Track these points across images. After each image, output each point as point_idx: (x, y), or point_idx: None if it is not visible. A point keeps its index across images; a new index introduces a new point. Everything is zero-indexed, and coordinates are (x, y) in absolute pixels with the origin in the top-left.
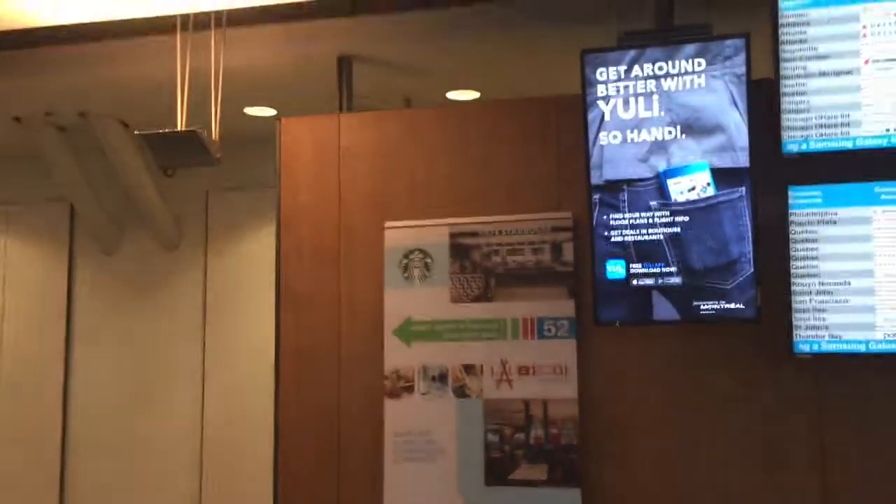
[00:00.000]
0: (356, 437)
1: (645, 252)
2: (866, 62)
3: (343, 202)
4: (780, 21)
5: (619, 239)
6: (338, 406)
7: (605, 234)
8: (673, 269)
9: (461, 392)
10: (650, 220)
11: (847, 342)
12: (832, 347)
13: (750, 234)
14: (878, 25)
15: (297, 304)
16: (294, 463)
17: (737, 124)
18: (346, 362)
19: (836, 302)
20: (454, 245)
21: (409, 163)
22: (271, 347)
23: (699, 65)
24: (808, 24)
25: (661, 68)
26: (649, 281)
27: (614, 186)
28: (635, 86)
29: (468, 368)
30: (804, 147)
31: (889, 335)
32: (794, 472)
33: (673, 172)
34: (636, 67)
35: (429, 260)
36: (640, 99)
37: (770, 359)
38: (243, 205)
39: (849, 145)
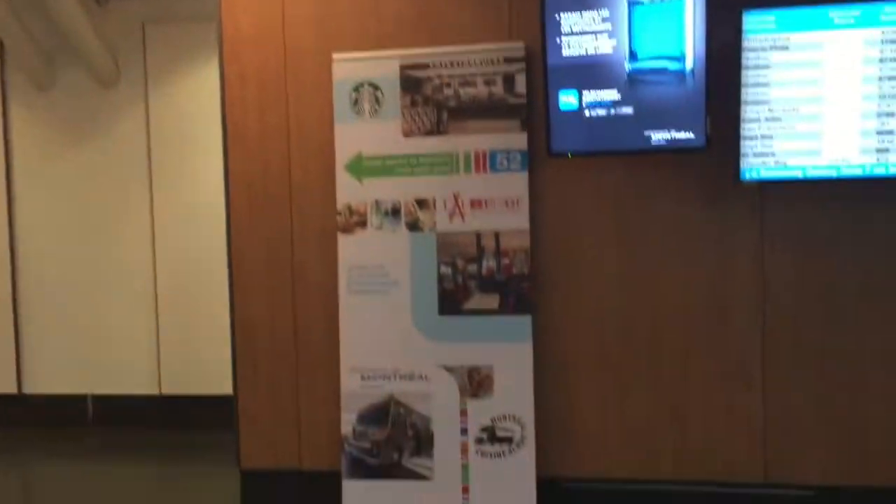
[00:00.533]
0: (310, 272)
1: (595, 78)
2: None
3: (288, 31)
4: None
5: (573, 63)
6: (291, 242)
7: (559, 62)
8: (622, 97)
9: (414, 226)
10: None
11: (788, 168)
12: (773, 174)
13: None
14: None
15: (244, 137)
16: (250, 303)
17: None
18: (297, 197)
19: (784, 129)
20: (405, 78)
21: None
22: (221, 183)
23: None
24: None
25: None
26: (601, 111)
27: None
28: None
29: (421, 203)
30: None
31: (833, 160)
32: (735, 295)
33: None
34: None
35: (379, 93)
36: None
37: (718, 187)
38: (183, 38)
39: None
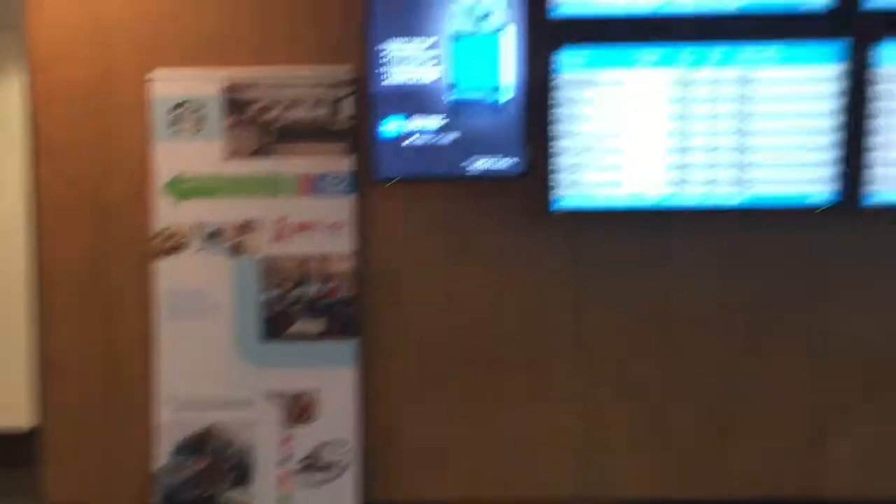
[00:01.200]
0: (127, 297)
1: (420, 105)
2: None
3: (102, 44)
4: None
5: (398, 90)
6: (106, 265)
7: (384, 88)
8: (445, 125)
9: (237, 249)
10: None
11: (595, 198)
12: (582, 204)
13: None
14: None
15: (54, 153)
16: (60, 328)
17: None
18: (114, 219)
19: (592, 161)
20: (229, 98)
21: (176, 4)
22: (24, 206)
23: None
24: None
25: None
26: (424, 138)
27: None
28: None
29: (245, 225)
30: (573, 10)
31: (635, 192)
32: (552, 319)
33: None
34: None
35: (201, 113)
36: None
37: (536, 215)
38: None
39: (619, 12)
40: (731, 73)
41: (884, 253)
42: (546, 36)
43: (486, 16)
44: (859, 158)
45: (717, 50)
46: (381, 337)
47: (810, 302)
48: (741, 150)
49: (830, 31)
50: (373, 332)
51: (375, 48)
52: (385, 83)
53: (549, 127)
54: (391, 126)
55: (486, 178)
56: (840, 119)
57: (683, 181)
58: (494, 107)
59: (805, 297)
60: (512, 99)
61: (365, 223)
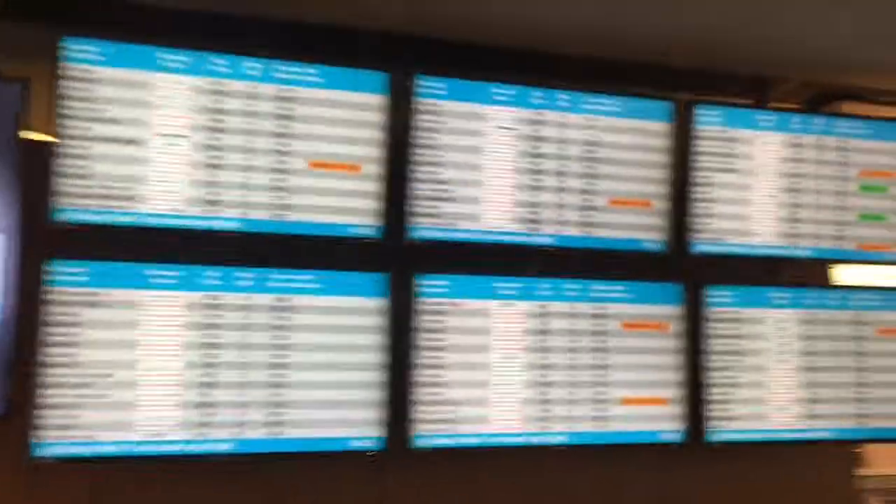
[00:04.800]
0: None
1: None
2: (156, 135)
3: None
4: (67, 73)
5: None
6: None
7: None
8: None
9: None
10: None
11: (97, 445)
12: (73, 452)
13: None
14: (168, 98)
15: None
16: None
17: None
18: None
19: (93, 399)
20: None
21: None
22: None
23: None
24: (97, 81)
25: None
26: None
27: None
28: None
29: None
30: (81, 217)
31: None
32: None
33: None
34: None
35: None
36: None
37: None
38: None
39: (132, 220)
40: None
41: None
42: (43, 244)
43: None
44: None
45: (251, 273)
46: None
47: None
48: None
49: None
50: None
51: None
52: None
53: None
54: None
55: None
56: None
57: (205, 424)
58: None
59: None
60: (2, 316)
61: None
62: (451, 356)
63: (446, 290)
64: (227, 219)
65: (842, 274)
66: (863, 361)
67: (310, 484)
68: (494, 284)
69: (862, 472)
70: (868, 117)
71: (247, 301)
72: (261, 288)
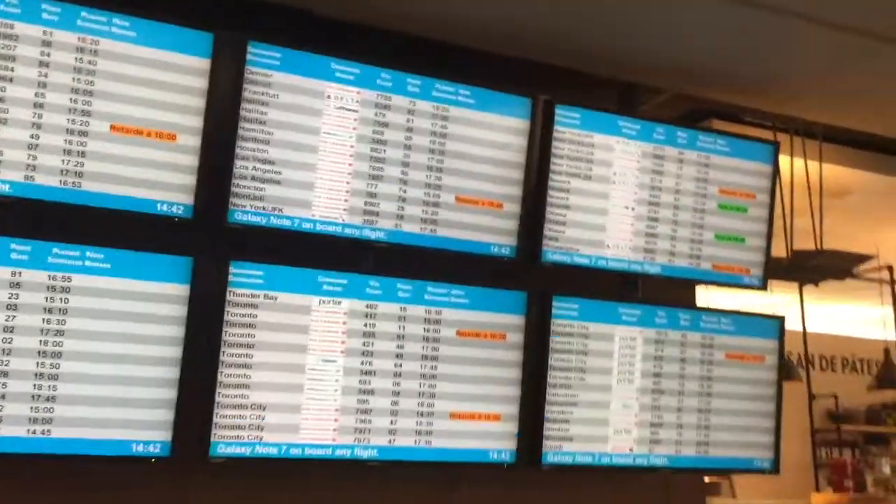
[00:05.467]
0: None
1: None
2: None
3: None
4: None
5: None
6: None
7: None
8: None
9: None
10: None
11: None
12: None
13: None
14: None
15: None
16: None
17: None
18: None
19: None
20: None
21: None
22: None
23: None
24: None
25: None
26: None
27: None
28: None
29: None
30: None
31: None
32: None
33: None
34: None
35: None
36: None
37: None
38: None
39: None
40: None
41: None
42: None
43: None
44: None
45: None
46: None
47: None
48: None
49: None
50: None
51: None
52: None
53: None
54: None
55: None
56: None
57: None
58: None
59: None
60: None
61: None
62: (261, 355)
63: (262, 281)
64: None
65: (695, 295)
66: (709, 387)
67: (82, 494)
68: (319, 279)
69: (715, 502)
70: (733, 135)
71: (15, 278)
72: (38, 264)
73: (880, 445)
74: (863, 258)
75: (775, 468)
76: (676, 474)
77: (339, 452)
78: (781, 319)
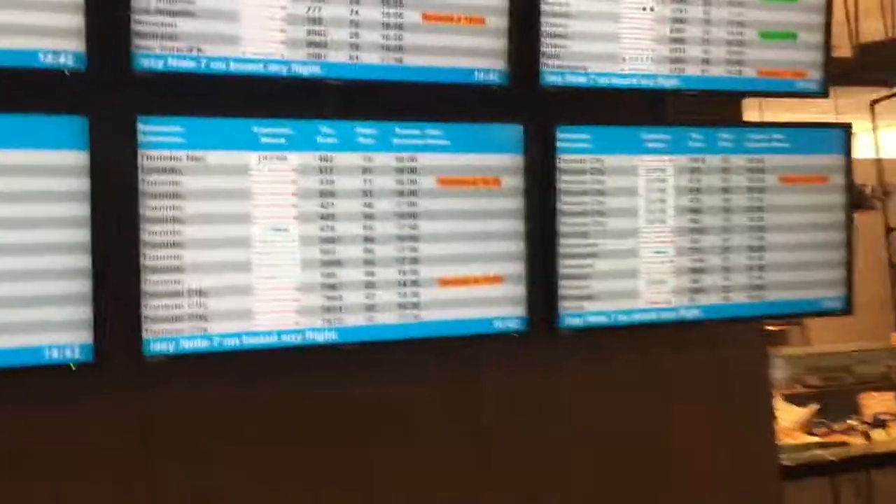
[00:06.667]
0: None
1: None
2: None
3: None
4: None
5: None
6: None
7: None
8: None
9: None
10: None
11: None
12: None
13: None
14: None
15: None
16: None
17: None
18: None
19: None
20: None
21: None
22: None
23: None
24: None
25: None
26: None
27: None
28: None
29: None
30: None
31: None
32: None
33: None
34: None
35: None
36: None
37: None
38: None
39: None
40: None
41: None
42: None
43: None
44: None
45: None
46: None
47: None
48: None
49: None
50: None
51: None
52: None
53: None
54: None
55: None
56: None
57: None
58: None
59: None
60: None
61: None
62: (193, 230)
63: (181, 139)
64: None
65: (741, 112)
66: (761, 219)
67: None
68: (254, 129)
69: (784, 351)
70: None
71: None
72: None
73: None
74: None
75: (848, 309)
76: (728, 326)
77: (307, 336)
78: (847, 127)
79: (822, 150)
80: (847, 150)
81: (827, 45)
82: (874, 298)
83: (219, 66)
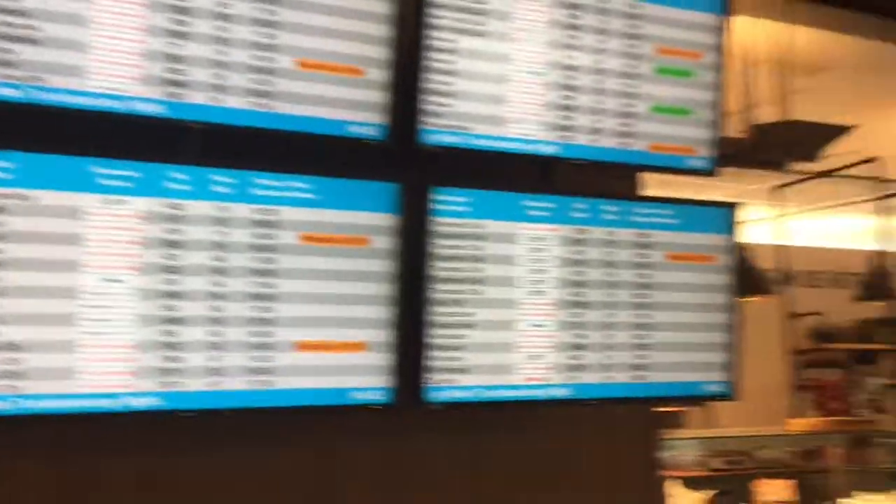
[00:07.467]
0: None
1: None
2: None
3: None
4: None
5: None
6: None
7: None
8: None
9: None
10: None
11: None
12: None
13: None
14: None
15: None
16: None
17: None
18: None
19: None
20: None
21: None
22: None
23: None
24: None
25: None
26: None
27: None
28: None
29: None
30: None
31: None
32: None
33: None
34: None
35: None
36: None
37: None
38: None
39: None
40: None
41: None
42: None
43: None
44: None
45: None
46: None
47: None
48: None
49: None
50: None
51: None
52: None
53: None
54: None
55: None
56: None
57: None
58: None
59: None
60: None
61: None
62: (13, 276)
63: (10, 175)
64: None
65: (635, 186)
66: (647, 296)
67: None
68: (92, 169)
69: (687, 433)
70: None
71: None
72: None
73: (869, 364)
74: (838, 130)
75: (729, 394)
76: (611, 406)
77: (138, 402)
78: (733, 207)
79: (709, 229)
80: (733, 229)
81: (719, 123)
82: (771, 384)
83: (60, 100)
